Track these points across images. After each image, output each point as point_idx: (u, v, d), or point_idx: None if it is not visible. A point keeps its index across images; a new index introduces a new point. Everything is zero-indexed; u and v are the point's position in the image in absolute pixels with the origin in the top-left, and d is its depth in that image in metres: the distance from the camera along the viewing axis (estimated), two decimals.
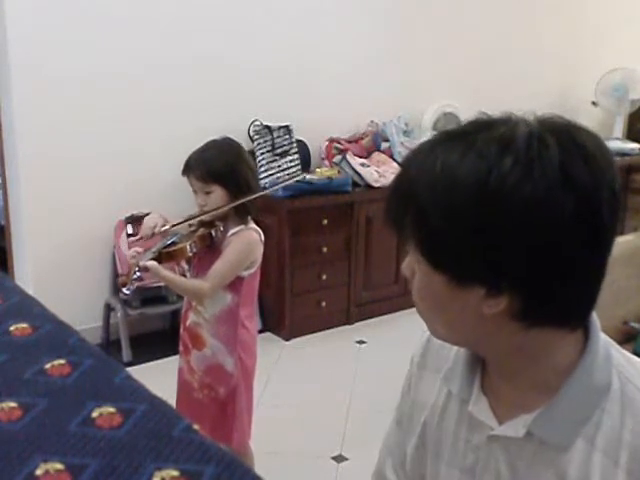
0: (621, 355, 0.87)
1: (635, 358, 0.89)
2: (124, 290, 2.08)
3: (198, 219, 2.21)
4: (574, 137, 0.76)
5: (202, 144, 2.25)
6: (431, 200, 0.77)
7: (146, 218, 2.25)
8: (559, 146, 0.74)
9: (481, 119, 0.81)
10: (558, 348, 0.83)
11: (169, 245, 2.15)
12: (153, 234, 2.15)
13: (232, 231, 2.21)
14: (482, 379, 0.93)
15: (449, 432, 0.95)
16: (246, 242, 2.20)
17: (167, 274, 2.14)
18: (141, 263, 2.04)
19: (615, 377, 0.84)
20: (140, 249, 2.11)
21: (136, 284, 2.08)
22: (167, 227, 2.17)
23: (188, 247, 2.13)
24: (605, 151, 0.78)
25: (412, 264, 0.85)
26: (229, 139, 2.30)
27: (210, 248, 2.21)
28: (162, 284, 3.46)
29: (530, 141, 0.75)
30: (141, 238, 2.20)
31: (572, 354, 0.84)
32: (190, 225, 2.24)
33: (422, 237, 0.80)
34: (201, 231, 2.19)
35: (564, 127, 0.78)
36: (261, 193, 2.33)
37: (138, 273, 2.05)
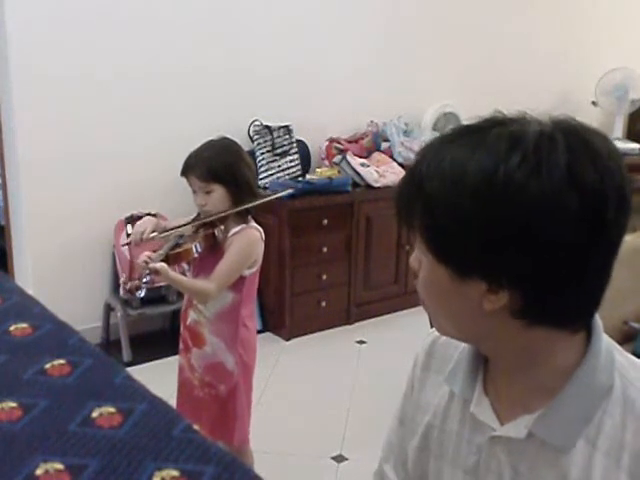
0: (623, 357, 0.87)
1: (637, 361, 0.88)
2: (137, 294, 2.09)
3: (200, 222, 2.22)
4: (583, 137, 0.77)
5: (200, 144, 2.25)
6: (438, 194, 0.77)
7: (137, 223, 2.27)
8: (567, 145, 0.75)
9: (495, 117, 0.81)
10: (560, 349, 0.83)
11: (175, 247, 2.17)
12: (141, 240, 2.17)
13: (233, 230, 2.21)
14: (484, 380, 0.93)
15: (452, 433, 0.95)
16: (248, 241, 2.21)
17: (175, 275, 2.16)
18: (151, 265, 2.05)
19: (617, 379, 0.83)
20: (150, 253, 2.12)
21: (147, 287, 2.09)
22: (155, 234, 2.19)
23: (194, 248, 2.16)
24: (614, 152, 0.78)
25: (419, 257, 0.86)
26: (227, 139, 2.31)
27: (212, 248, 2.21)
28: (162, 284, 3.47)
29: (540, 139, 0.75)
30: (129, 243, 2.22)
31: (574, 355, 0.84)
32: (192, 226, 2.25)
33: (428, 230, 0.81)
34: (204, 231, 2.20)
35: (574, 128, 0.78)
36: (266, 199, 2.34)
37: (149, 276, 2.06)
